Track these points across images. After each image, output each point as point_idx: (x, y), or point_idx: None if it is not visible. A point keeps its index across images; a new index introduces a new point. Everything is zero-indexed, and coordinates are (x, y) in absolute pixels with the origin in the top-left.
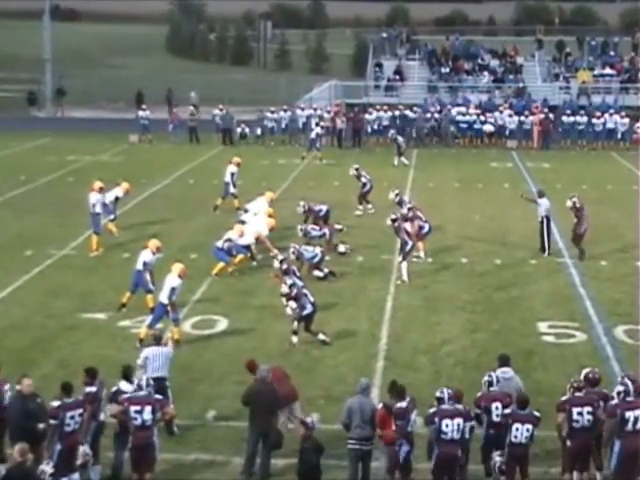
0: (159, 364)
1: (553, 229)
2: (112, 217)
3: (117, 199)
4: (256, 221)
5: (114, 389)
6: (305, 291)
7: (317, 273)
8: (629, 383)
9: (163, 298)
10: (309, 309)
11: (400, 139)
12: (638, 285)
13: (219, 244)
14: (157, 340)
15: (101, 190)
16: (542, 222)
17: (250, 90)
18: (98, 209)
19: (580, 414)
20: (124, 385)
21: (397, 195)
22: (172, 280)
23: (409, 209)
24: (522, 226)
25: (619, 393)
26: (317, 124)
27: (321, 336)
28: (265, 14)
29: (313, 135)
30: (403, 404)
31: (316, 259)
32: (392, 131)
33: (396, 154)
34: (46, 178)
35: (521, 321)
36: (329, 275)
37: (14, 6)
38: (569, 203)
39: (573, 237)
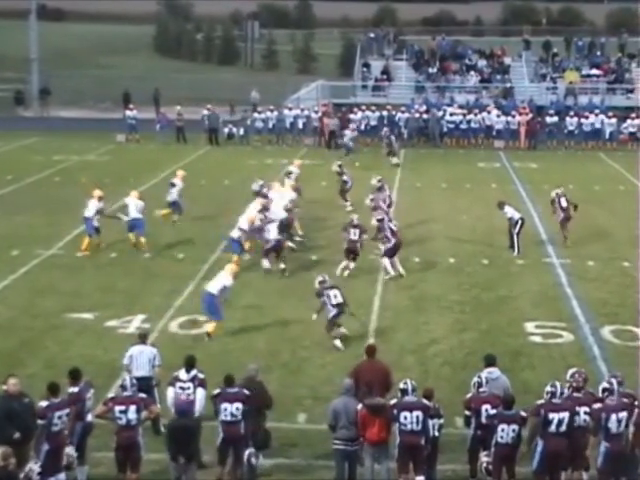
0: (142, 362)
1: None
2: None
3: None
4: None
5: (174, 375)
6: (330, 295)
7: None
8: (558, 385)
9: (213, 289)
10: (333, 312)
11: (392, 138)
12: (635, 286)
13: (234, 235)
14: (142, 338)
15: (100, 199)
16: (517, 224)
17: (237, 90)
18: (90, 214)
19: (577, 414)
20: (183, 374)
21: (379, 181)
22: (225, 279)
23: (371, 200)
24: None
25: (547, 393)
26: (347, 127)
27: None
28: (252, 14)
29: (346, 139)
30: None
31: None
32: (385, 129)
33: (386, 154)
34: (33, 178)
35: (509, 321)
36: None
37: (0, 6)
38: (552, 194)
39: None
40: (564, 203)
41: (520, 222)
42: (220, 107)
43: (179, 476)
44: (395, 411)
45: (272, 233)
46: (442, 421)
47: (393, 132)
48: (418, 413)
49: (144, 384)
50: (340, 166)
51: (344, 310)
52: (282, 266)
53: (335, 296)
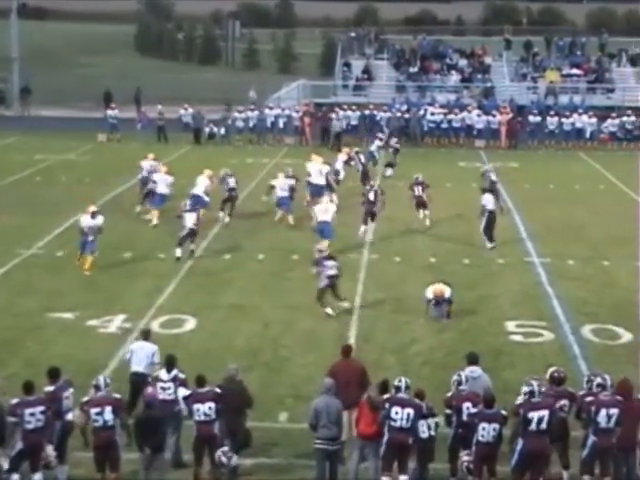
0: (140, 358)
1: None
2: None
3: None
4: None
5: (154, 375)
6: (326, 265)
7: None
8: (534, 384)
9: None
10: (325, 282)
11: (394, 140)
12: (614, 285)
13: (328, 219)
14: (145, 335)
15: (94, 215)
16: (484, 213)
17: (219, 89)
18: (89, 232)
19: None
20: (163, 374)
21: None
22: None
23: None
24: None
25: (525, 393)
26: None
27: (344, 304)
28: (233, 13)
29: (373, 148)
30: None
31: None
32: (386, 130)
33: (387, 163)
34: (13, 177)
35: (489, 320)
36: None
37: None
38: (482, 170)
39: None
40: (494, 177)
41: (488, 214)
42: (200, 106)
43: (147, 467)
44: (387, 405)
45: (188, 221)
46: (438, 419)
47: (371, 132)
48: (409, 410)
49: (139, 379)
50: (357, 152)
51: (335, 283)
52: (192, 247)
53: (331, 267)
